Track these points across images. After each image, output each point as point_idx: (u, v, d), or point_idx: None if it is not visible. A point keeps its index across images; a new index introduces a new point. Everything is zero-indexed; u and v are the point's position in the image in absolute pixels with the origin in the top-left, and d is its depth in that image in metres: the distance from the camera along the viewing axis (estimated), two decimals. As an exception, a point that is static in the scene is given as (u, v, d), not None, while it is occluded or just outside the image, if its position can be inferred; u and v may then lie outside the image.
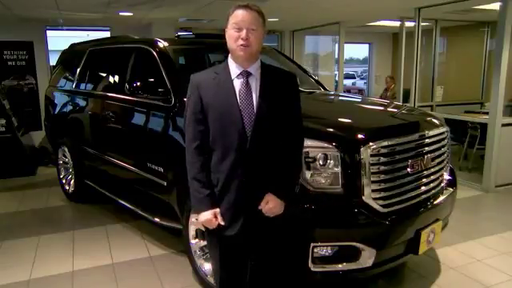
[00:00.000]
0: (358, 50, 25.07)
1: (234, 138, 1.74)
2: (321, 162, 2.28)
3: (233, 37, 1.75)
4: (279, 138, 1.81)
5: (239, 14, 1.74)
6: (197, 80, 1.85)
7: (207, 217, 1.80)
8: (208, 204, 1.80)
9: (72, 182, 4.65)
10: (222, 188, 1.79)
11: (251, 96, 1.77)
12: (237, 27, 1.73)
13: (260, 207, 1.78)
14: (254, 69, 1.80)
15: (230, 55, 1.83)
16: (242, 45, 1.73)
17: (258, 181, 1.78)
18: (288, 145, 1.85)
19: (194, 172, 1.82)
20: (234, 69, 1.80)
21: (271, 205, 1.78)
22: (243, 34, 1.72)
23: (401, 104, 4.45)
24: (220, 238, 1.85)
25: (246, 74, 1.79)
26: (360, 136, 2.37)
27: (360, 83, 19.96)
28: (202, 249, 2.79)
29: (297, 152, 1.91)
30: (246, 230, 1.80)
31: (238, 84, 1.78)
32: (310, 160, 2.26)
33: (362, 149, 2.30)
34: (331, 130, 2.46)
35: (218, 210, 1.80)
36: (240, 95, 1.76)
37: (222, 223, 1.79)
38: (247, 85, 1.78)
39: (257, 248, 1.90)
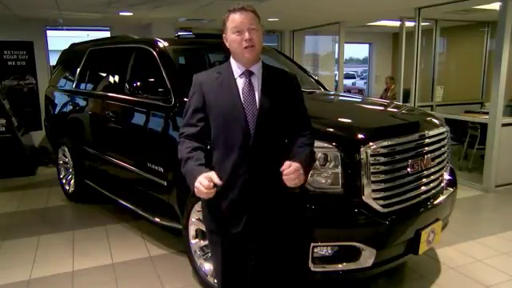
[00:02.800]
0: (358, 50, 25.09)
1: (238, 136, 1.75)
2: (321, 162, 2.28)
3: (236, 41, 1.76)
4: (281, 136, 1.84)
5: (237, 18, 1.75)
6: (200, 79, 1.87)
7: (203, 183, 1.64)
8: (201, 170, 1.70)
9: (72, 182, 4.65)
10: (225, 186, 1.78)
11: (254, 94, 1.78)
12: (237, 30, 1.75)
13: (282, 169, 1.68)
14: (257, 69, 1.83)
15: (232, 56, 1.85)
16: (247, 47, 1.74)
17: (262, 178, 1.78)
18: (300, 134, 1.85)
19: (185, 153, 1.78)
20: (236, 68, 1.83)
21: (293, 167, 1.66)
22: (246, 35, 1.74)
23: (401, 104, 4.45)
24: (222, 236, 1.85)
25: (248, 74, 1.81)
26: (360, 136, 2.37)
27: (360, 83, 19.95)
28: (202, 249, 2.80)
29: (310, 139, 1.88)
30: (249, 228, 1.81)
31: (240, 83, 1.80)
32: (310, 160, 2.26)
33: (362, 149, 2.30)
34: (331, 129, 2.47)
35: (212, 172, 1.68)
36: (243, 94, 1.78)
37: (219, 182, 1.67)
38: (250, 84, 1.80)
39: (258, 248, 1.91)
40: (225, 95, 1.79)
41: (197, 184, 1.66)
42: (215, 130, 1.80)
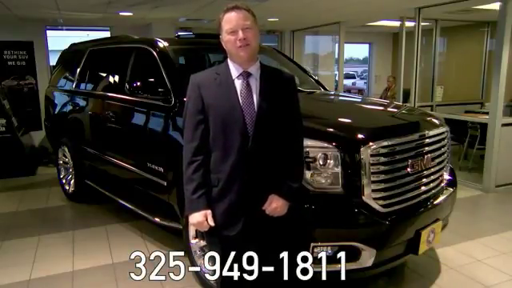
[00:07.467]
0: (358, 50, 25.08)
1: (236, 138, 1.74)
2: (321, 162, 2.28)
3: (230, 41, 1.76)
4: (280, 138, 1.82)
5: (231, 17, 1.75)
6: (197, 80, 1.85)
7: (198, 219, 1.79)
8: (200, 206, 1.79)
9: (72, 182, 4.65)
10: (222, 188, 1.79)
11: (252, 97, 1.77)
12: (231, 31, 1.74)
13: (263, 208, 1.79)
14: (254, 69, 1.81)
15: (228, 57, 1.84)
16: (241, 46, 1.73)
17: (260, 180, 1.78)
18: (289, 145, 1.85)
19: (189, 172, 1.81)
20: (233, 69, 1.81)
21: (274, 205, 1.80)
22: (240, 34, 1.73)
23: (401, 104, 4.45)
24: (220, 238, 1.85)
25: (246, 75, 1.80)
26: (360, 136, 2.37)
27: (360, 83, 19.94)
28: (202, 249, 2.79)
29: (298, 152, 1.91)
30: (247, 230, 1.80)
31: (238, 84, 1.79)
32: (310, 160, 2.26)
33: (362, 149, 2.30)
34: (331, 129, 2.47)
35: (209, 211, 1.79)
36: (241, 96, 1.77)
37: (212, 224, 1.79)
38: (248, 85, 1.79)
39: (257, 247, 1.90)
40: (224, 97, 1.77)
41: (192, 220, 1.82)
42: (214, 132, 1.79)
